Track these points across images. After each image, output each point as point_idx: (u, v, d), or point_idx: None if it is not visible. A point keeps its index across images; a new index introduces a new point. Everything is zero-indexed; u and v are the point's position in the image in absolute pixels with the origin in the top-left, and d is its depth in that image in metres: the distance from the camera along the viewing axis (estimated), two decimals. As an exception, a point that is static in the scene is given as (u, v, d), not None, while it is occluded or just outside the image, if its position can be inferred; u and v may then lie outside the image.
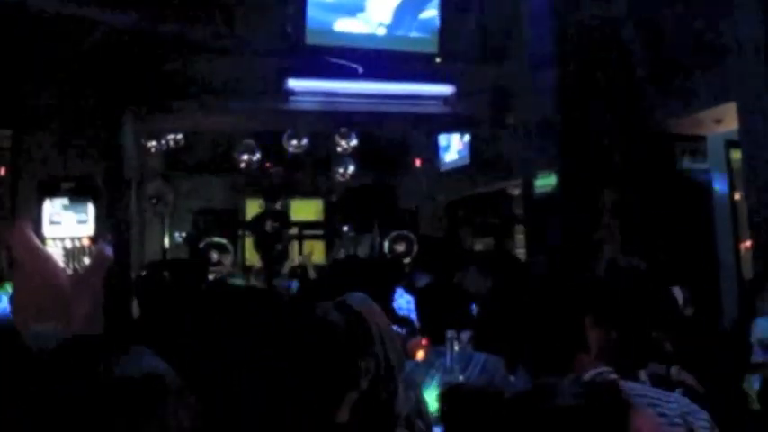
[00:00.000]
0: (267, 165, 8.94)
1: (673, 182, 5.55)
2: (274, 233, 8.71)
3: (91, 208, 0.84)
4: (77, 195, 0.83)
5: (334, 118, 6.73)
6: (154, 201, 8.14)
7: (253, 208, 9.71)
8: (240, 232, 9.79)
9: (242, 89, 5.09)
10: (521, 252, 7.93)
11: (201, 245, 8.02)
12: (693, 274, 4.75)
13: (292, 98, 5.23)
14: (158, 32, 4.54)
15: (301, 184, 10.06)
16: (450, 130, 8.63)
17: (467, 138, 8.80)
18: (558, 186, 5.77)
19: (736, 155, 5.30)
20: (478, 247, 8.57)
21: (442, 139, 9.47)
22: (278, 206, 9.00)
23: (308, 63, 5.14)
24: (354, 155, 8.17)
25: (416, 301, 2.88)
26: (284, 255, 8.56)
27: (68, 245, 0.83)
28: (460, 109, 5.70)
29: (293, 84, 5.16)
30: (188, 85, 4.92)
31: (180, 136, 7.50)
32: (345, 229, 9.79)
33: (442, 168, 9.59)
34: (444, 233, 9.36)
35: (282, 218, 9.12)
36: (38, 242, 0.80)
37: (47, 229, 0.84)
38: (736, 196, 5.54)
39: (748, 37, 4.46)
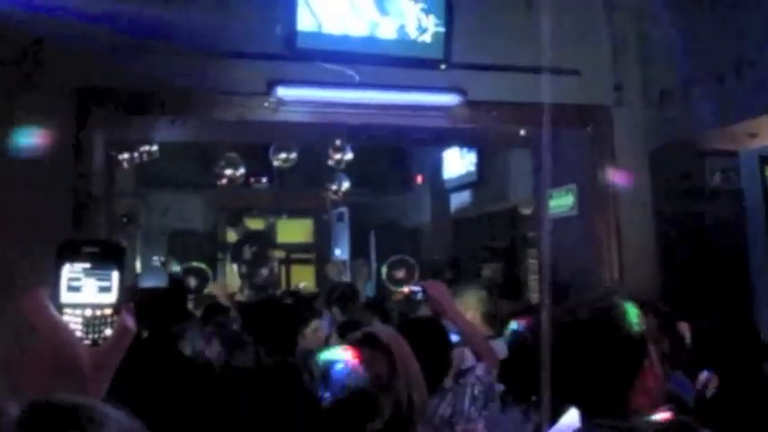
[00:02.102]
0: (252, 180, 8.94)
1: (703, 200, 5.58)
2: (254, 259, 8.67)
3: (116, 275, 0.86)
4: (101, 260, 0.85)
5: (328, 129, 6.73)
6: (124, 220, 8.09)
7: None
8: (220, 255, 9.78)
9: (225, 96, 5.09)
10: (533, 279, 7.94)
11: (178, 270, 7.99)
12: (725, 299, 4.76)
13: (282, 108, 5.24)
14: (133, 34, 4.54)
15: (289, 202, 10.06)
16: (455, 143, 8.67)
17: (474, 152, 8.85)
18: (575, 206, 5.79)
19: (773, 172, 5.34)
20: (485, 272, 8.57)
21: (447, 153, 9.51)
22: (261, 226, 8.97)
23: (300, 69, 5.15)
24: (349, 170, 8.18)
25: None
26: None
27: (88, 313, 0.85)
28: (467, 121, 5.72)
29: (283, 92, 5.17)
30: (164, 91, 4.92)
31: (154, 147, 7.46)
32: (338, 252, 9.77)
33: (447, 186, 9.62)
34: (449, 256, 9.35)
35: (263, 241, 9.09)
36: (53, 311, 0.82)
37: (64, 296, 0.86)
38: (773, 217, 5.57)
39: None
